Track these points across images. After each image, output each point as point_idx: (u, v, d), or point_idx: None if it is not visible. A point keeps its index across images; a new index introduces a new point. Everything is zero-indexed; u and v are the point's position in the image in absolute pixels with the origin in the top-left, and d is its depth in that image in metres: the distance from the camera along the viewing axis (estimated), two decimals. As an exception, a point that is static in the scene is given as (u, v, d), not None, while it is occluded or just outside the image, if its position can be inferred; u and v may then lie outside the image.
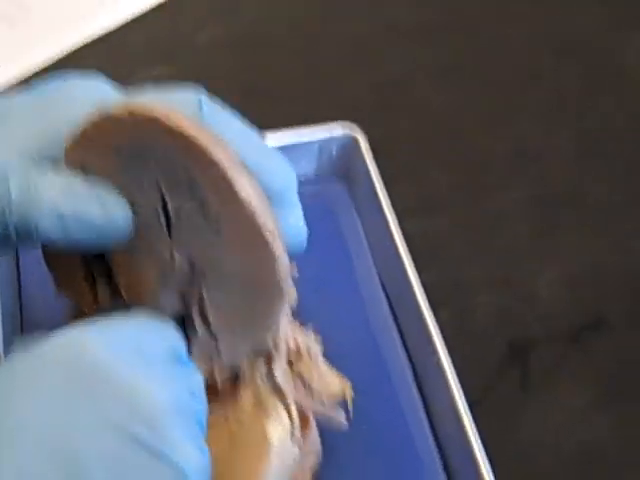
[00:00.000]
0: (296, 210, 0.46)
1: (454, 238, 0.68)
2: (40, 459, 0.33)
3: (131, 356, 0.37)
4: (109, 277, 0.46)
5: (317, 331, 0.53)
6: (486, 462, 0.52)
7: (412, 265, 0.60)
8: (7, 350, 0.53)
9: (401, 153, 0.72)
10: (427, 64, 0.78)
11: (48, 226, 0.39)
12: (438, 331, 0.57)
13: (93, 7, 0.81)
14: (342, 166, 0.68)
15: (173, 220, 0.42)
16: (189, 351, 0.47)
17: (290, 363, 0.50)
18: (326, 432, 0.52)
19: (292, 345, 0.49)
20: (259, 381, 0.47)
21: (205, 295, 0.44)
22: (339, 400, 0.56)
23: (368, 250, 0.65)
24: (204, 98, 0.43)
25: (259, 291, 0.43)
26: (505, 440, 0.57)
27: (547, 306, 0.65)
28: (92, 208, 0.40)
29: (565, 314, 0.64)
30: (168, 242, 0.43)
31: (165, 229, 0.42)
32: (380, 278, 0.63)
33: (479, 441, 0.52)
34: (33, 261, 0.58)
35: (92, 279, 0.46)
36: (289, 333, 0.48)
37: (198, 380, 0.41)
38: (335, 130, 0.67)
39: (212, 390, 0.49)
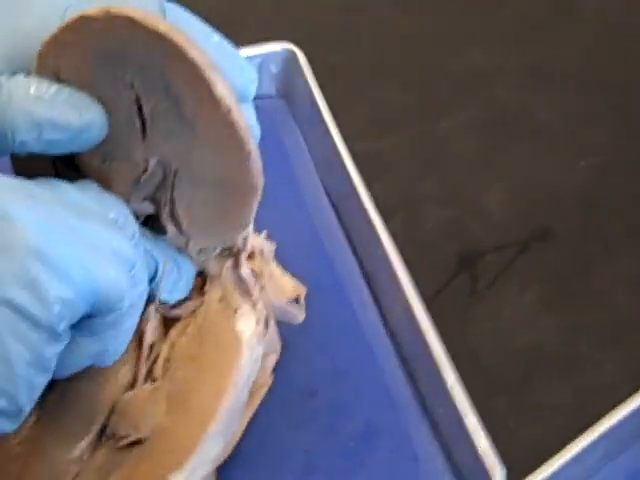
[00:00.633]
0: (252, 109, 0.46)
1: (403, 156, 0.68)
2: None
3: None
4: None
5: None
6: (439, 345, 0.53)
7: (359, 177, 0.61)
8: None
9: (353, 76, 0.72)
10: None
11: (23, 132, 0.38)
12: (387, 236, 0.58)
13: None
14: (283, 84, 0.68)
15: (148, 123, 0.42)
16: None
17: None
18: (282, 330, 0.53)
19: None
20: (226, 278, 0.48)
21: (176, 196, 0.44)
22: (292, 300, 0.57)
23: (311, 163, 0.65)
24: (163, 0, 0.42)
25: (233, 189, 0.43)
26: (453, 340, 0.57)
27: (496, 219, 0.65)
28: (68, 112, 0.39)
29: (513, 226, 0.65)
30: (142, 146, 0.43)
31: (140, 133, 0.42)
32: (326, 190, 0.64)
33: (433, 330, 0.53)
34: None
35: None
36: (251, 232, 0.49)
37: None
38: (274, 48, 0.67)
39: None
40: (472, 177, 0.68)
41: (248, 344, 0.46)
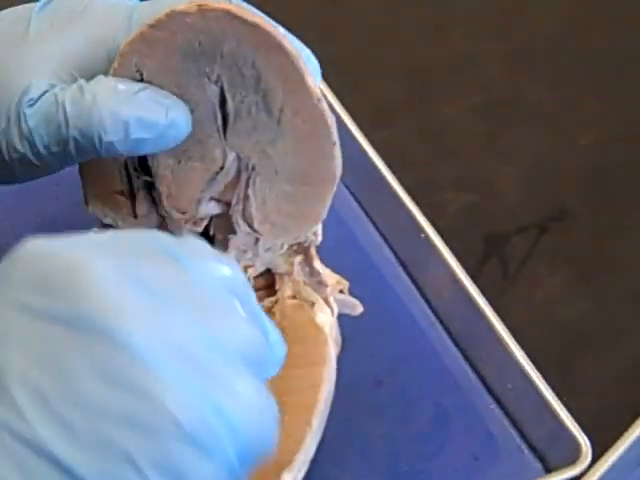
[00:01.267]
0: None
1: (410, 146, 0.68)
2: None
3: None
4: (148, 188, 0.45)
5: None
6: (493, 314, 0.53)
7: (383, 163, 0.61)
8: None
9: (342, 69, 0.72)
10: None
11: (110, 133, 0.37)
12: (424, 218, 0.58)
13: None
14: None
15: (230, 119, 0.41)
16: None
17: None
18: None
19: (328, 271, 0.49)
20: (297, 274, 0.47)
21: (251, 193, 0.44)
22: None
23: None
24: None
25: (312, 181, 0.43)
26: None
27: (512, 201, 0.66)
28: (154, 110, 0.38)
29: (530, 208, 0.66)
30: (220, 144, 0.42)
31: (221, 130, 0.42)
32: (344, 183, 0.64)
33: (489, 307, 0.54)
34: None
35: (129, 191, 0.45)
36: None
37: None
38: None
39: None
40: (481, 161, 0.68)
41: (330, 335, 0.45)
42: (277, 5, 0.74)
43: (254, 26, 0.38)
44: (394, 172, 0.61)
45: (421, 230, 0.57)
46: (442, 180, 0.66)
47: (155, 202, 0.45)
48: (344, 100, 0.65)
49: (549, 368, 0.53)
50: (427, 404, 0.52)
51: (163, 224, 0.46)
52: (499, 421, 0.52)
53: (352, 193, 0.63)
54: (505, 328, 0.53)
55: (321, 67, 0.49)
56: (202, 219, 0.46)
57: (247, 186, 0.43)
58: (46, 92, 0.38)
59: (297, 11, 0.74)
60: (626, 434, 0.48)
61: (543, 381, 0.51)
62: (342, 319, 0.53)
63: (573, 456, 0.48)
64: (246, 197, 0.44)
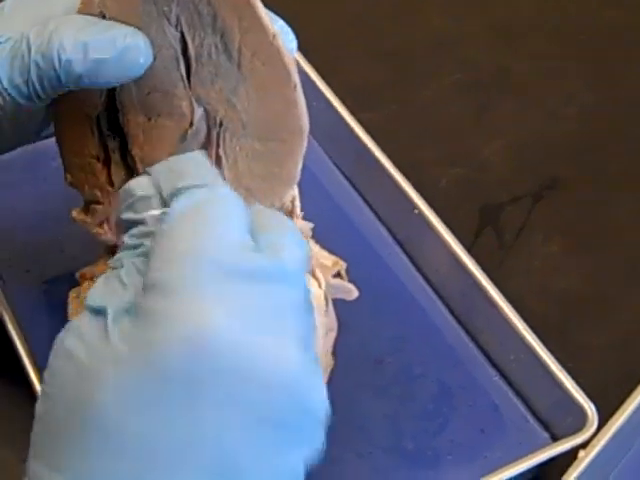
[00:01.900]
0: None
1: (398, 125, 0.68)
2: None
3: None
4: (123, 153, 0.45)
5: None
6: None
7: (373, 142, 0.61)
8: None
9: (322, 53, 0.71)
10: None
11: (69, 52, 0.38)
12: (418, 195, 0.58)
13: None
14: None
15: (193, 65, 0.42)
16: None
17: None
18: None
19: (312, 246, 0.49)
20: None
21: (222, 153, 0.44)
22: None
23: (312, 140, 0.65)
24: None
25: (279, 135, 0.43)
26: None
27: (503, 173, 0.65)
28: (112, 33, 0.39)
29: (521, 178, 0.65)
30: (186, 96, 0.42)
31: (185, 78, 0.42)
32: (334, 163, 0.64)
33: (488, 280, 0.53)
34: None
35: (105, 156, 0.46)
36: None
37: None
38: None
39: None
40: (469, 137, 0.68)
41: (317, 307, 0.45)
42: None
43: None
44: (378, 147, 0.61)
45: (414, 207, 0.57)
46: (432, 158, 0.66)
47: (131, 170, 0.46)
48: (327, 83, 0.65)
49: (549, 337, 0.53)
50: (430, 381, 0.52)
51: None
52: (504, 393, 0.52)
53: (344, 175, 0.63)
54: (505, 300, 0.52)
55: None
56: None
57: (218, 145, 0.44)
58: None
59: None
60: (629, 399, 0.48)
61: (546, 350, 0.50)
62: (341, 300, 0.53)
63: (579, 423, 0.48)
64: (218, 158, 0.44)
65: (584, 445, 0.47)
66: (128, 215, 0.33)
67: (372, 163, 0.59)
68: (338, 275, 0.56)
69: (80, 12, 0.40)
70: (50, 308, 0.54)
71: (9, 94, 0.40)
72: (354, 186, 0.62)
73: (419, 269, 0.57)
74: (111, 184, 0.46)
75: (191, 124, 0.43)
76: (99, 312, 0.31)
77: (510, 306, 0.52)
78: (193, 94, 0.42)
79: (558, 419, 0.50)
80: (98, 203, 0.47)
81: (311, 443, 0.31)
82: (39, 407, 0.31)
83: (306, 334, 0.31)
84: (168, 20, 0.40)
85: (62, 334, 0.31)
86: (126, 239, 0.33)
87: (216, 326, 0.29)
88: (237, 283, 0.30)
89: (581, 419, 0.48)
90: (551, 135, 0.69)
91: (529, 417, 0.51)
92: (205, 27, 0.40)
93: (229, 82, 0.41)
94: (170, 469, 0.29)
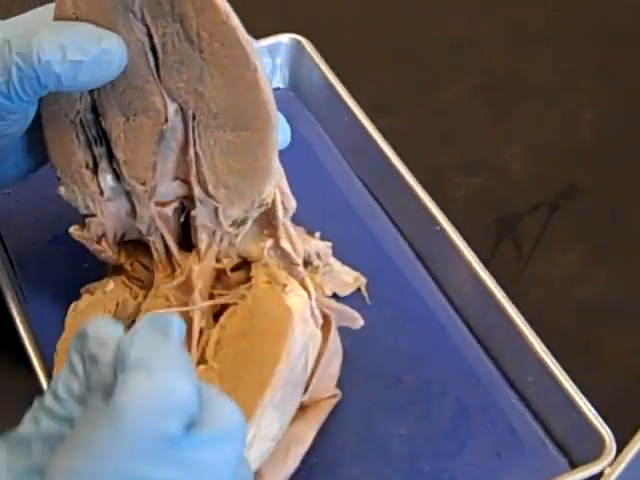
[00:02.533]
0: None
1: (416, 131, 0.68)
2: None
3: None
4: (109, 159, 0.46)
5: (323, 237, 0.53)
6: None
7: (393, 152, 0.61)
8: None
9: (343, 59, 0.71)
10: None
11: (48, 53, 0.40)
12: (435, 205, 0.58)
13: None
14: (291, 76, 0.67)
15: (160, 56, 0.43)
16: (196, 238, 0.47)
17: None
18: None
19: (301, 252, 0.49)
20: (268, 257, 0.47)
21: (199, 150, 0.45)
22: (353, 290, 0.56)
23: (335, 150, 0.65)
24: None
25: (249, 122, 0.43)
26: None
27: (521, 181, 0.65)
28: (89, 37, 0.41)
29: (539, 186, 0.65)
30: (159, 88, 0.44)
31: (154, 72, 0.43)
32: (356, 174, 0.63)
33: (500, 291, 0.53)
34: None
35: (93, 163, 0.46)
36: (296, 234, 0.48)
37: None
38: (281, 39, 0.65)
39: (225, 282, 0.48)
40: (487, 143, 0.68)
41: (300, 315, 0.45)
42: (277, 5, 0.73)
43: None
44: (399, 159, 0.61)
45: (436, 222, 0.56)
46: (449, 165, 0.66)
47: (118, 177, 0.47)
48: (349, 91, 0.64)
49: (568, 349, 0.53)
50: (448, 401, 0.52)
51: (132, 212, 0.47)
52: (521, 415, 0.52)
53: (367, 187, 0.62)
54: (524, 321, 0.52)
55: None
56: (170, 201, 0.47)
57: (195, 143, 0.44)
58: None
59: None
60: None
61: (564, 373, 0.50)
62: (361, 316, 0.53)
63: (597, 449, 0.48)
64: (197, 157, 0.45)
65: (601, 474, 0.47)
66: (75, 358, 0.33)
67: (395, 179, 0.59)
68: (359, 291, 0.56)
69: (55, 15, 0.42)
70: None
71: None
72: (377, 200, 0.61)
73: (440, 286, 0.57)
74: (102, 193, 0.47)
75: (166, 119, 0.44)
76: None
77: (529, 327, 0.52)
78: (164, 87, 0.44)
79: (576, 444, 0.50)
80: (92, 216, 0.47)
81: None
82: None
83: None
84: (133, 14, 0.42)
85: None
86: (53, 405, 0.33)
87: None
88: None
89: (599, 445, 0.48)
90: (569, 141, 0.69)
91: (547, 441, 0.51)
92: (165, 15, 0.42)
93: (194, 69, 0.43)
94: None
